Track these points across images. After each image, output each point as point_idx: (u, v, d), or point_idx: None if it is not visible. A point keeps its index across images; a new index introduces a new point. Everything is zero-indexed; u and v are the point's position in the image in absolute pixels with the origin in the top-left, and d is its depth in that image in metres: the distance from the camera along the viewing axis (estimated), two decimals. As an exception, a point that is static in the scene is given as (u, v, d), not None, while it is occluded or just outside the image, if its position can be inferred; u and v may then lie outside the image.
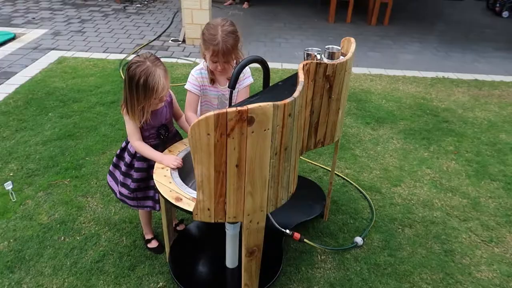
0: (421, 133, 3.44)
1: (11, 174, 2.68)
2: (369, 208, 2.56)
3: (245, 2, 7.36)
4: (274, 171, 1.48)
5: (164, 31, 5.75)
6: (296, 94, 1.43)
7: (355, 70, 4.69)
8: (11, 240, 2.18)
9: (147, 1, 7.34)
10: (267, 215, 2.05)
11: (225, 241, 1.97)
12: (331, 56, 1.91)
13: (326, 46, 1.92)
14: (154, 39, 5.40)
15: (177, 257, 2.02)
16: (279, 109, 1.36)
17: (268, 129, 1.37)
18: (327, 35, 5.96)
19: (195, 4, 5.07)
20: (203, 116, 1.29)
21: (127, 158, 1.94)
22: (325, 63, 1.76)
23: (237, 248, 1.96)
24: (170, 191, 1.64)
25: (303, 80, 1.52)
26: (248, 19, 6.60)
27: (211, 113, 1.28)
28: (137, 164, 1.93)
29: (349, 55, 1.87)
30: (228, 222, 1.84)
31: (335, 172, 2.87)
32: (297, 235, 2.11)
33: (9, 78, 4.06)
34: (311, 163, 2.97)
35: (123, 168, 1.96)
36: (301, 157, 3.02)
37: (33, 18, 6.05)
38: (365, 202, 2.60)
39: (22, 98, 3.65)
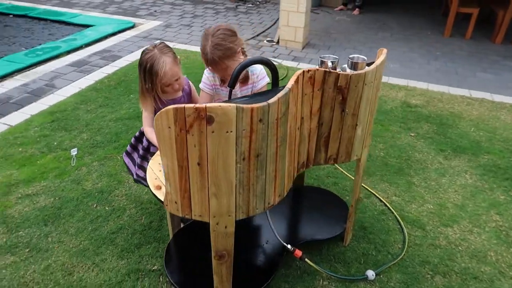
0: (507, 172, 2.90)
1: (80, 143, 3.06)
2: (401, 243, 2.26)
3: (356, 9, 7.09)
4: (242, 177, 1.42)
5: (264, 31, 5.88)
6: (272, 100, 1.35)
7: (452, 90, 4.16)
8: (57, 198, 2.49)
9: (259, 2, 7.59)
10: (269, 224, 1.98)
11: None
12: (354, 66, 1.74)
13: (351, 56, 1.75)
14: (250, 38, 5.56)
15: (174, 247, 2.07)
16: (245, 112, 1.30)
17: (231, 131, 1.31)
18: (435, 50, 5.40)
19: (292, 6, 5.07)
20: (164, 109, 1.30)
21: (145, 142, 2.06)
22: (336, 73, 1.61)
23: (227, 250, 1.92)
24: (155, 178, 1.69)
25: (289, 87, 1.41)
26: (353, 26, 6.35)
27: (171, 106, 1.29)
28: (152, 149, 2.04)
29: (371, 67, 1.67)
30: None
31: (379, 196, 2.61)
32: (298, 253, 1.99)
33: (114, 61, 4.62)
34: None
35: (141, 151, 2.08)
36: (347, 173, 2.81)
37: (155, 11, 6.76)
38: (400, 236, 2.31)
39: (116, 79, 4.12)
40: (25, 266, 2.04)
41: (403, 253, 2.18)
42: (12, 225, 2.28)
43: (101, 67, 4.43)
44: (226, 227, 1.52)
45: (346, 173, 2.83)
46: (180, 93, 2.01)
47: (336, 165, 2.88)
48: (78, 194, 2.53)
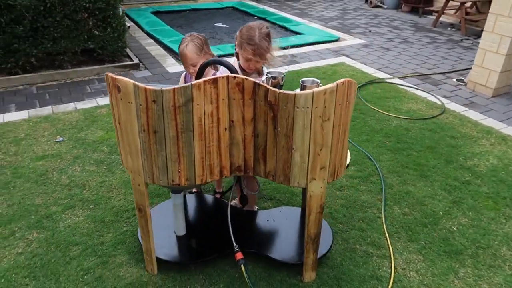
0: None
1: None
2: (362, 314, 1.92)
3: None
4: (145, 146, 1.71)
5: (463, 69, 5.16)
6: (166, 87, 1.57)
7: None
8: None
9: (494, 39, 6.52)
10: (227, 219, 2.13)
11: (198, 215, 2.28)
12: (303, 89, 1.67)
13: (303, 79, 1.70)
14: (441, 72, 5.02)
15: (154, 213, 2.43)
16: (140, 90, 1.59)
17: (132, 103, 1.63)
18: None
19: (492, 45, 4.29)
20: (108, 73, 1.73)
21: None
22: (265, 86, 1.62)
23: (183, 217, 2.19)
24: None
25: (193, 83, 1.58)
26: None
27: (109, 73, 1.71)
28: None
29: (305, 91, 1.57)
30: (172, 192, 2.14)
31: (392, 261, 2.20)
32: (239, 255, 2.04)
33: (289, 64, 5.18)
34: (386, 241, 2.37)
35: None
36: (386, 228, 2.45)
37: (369, 31, 6.89)
38: (369, 307, 1.95)
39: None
40: (94, 174, 2.89)
41: (349, 321, 1.87)
42: (113, 149, 3.19)
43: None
44: (139, 185, 1.84)
45: (385, 227, 2.47)
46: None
47: (383, 218, 2.54)
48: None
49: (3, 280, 2.04)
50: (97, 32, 4.59)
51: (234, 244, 2.07)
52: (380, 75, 4.90)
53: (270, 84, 1.74)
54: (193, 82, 1.59)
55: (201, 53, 2.21)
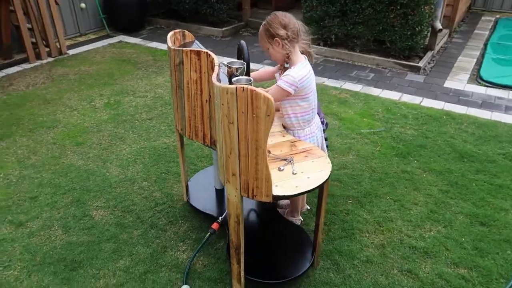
0: None
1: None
2: None
3: None
4: (175, 97, 2.14)
5: None
6: (172, 46, 1.93)
7: None
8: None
9: None
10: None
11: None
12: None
13: (236, 78, 1.57)
14: None
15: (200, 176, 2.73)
16: (171, 51, 1.99)
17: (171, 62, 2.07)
18: None
19: None
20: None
21: None
22: (215, 72, 1.65)
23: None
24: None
25: (181, 49, 1.84)
26: None
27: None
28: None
29: (219, 84, 1.49)
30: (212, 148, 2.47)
31: None
32: (215, 225, 2.20)
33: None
34: None
35: None
36: None
37: None
38: None
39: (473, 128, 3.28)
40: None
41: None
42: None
43: None
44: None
45: None
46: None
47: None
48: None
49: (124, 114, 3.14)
50: (393, 27, 4.64)
51: (222, 216, 2.22)
52: None
53: (226, 72, 1.69)
54: (183, 49, 1.87)
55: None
